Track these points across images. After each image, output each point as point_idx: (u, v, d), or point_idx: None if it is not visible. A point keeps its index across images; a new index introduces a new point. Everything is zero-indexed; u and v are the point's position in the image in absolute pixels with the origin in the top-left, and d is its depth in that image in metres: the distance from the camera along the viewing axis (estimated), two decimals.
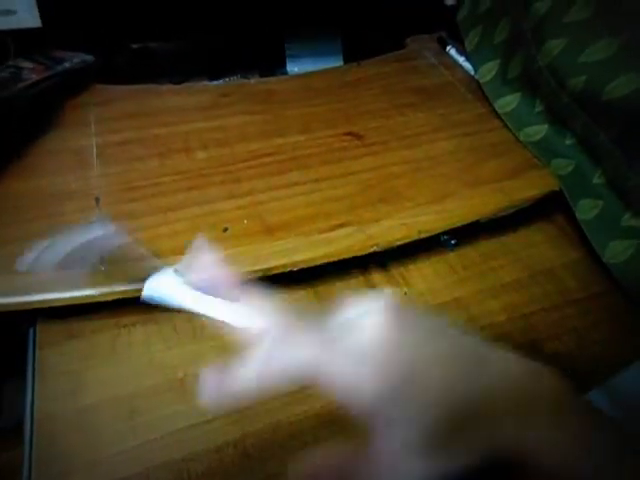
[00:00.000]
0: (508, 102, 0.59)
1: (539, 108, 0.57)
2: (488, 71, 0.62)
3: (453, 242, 0.55)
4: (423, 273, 0.53)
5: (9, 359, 0.49)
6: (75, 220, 0.44)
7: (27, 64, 0.53)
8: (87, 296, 0.39)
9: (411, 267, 0.53)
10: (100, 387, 0.41)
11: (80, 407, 0.40)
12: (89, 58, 0.61)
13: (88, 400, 0.40)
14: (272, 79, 0.67)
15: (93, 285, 0.40)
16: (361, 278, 0.51)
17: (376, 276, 0.51)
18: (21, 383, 0.43)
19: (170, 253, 0.42)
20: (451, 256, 0.55)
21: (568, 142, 0.54)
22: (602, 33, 0.47)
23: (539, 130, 0.56)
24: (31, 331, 0.45)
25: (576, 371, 0.47)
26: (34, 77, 0.51)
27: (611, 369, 0.47)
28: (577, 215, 0.52)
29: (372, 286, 0.51)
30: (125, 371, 0.42)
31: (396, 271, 0.53)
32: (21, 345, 0.45)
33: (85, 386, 0.41)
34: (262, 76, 0.72)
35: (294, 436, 0.40)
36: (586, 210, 0.52)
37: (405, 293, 0.51)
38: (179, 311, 0.46)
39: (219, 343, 0.45)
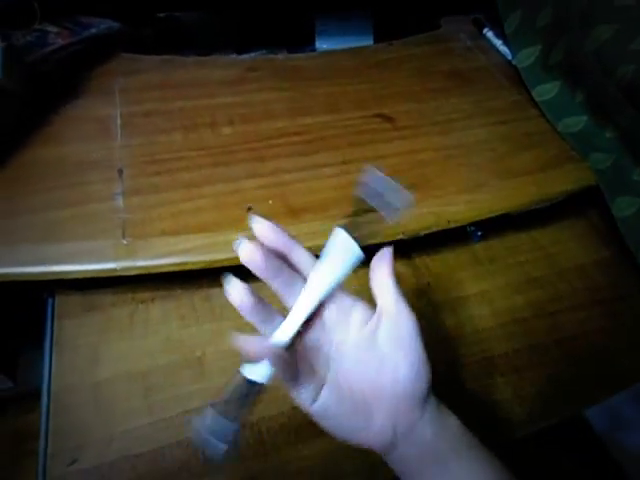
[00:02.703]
0: (547, 90, 0.56)
1: (580, 98, 0.54)
2: (527, 56, 0.59)
3: (479, 234, 0.53)
4: (447, 264, 0.51)
5: (26, 327, 0.49)
6: (98, 190, 0.43)
7: (53, 28, 0.52)
8: (108, 269, 0.39)
9: (435, 257, 0.52)
10: (116, 362, 0.41)
11: (96, 381, 0.40)
12: (115, 25, 0.59)
13: (104, 374, 0.40)
14: (300, 55, 0.64)
15: (114, 258, 0.39)
16: None
17: (400, 265, 0.50)
18: (36, 352, 0.43)
19: (194, 230, 0.41)
20: (477, 248, 0.53)
21: (609, 135, 0.51)
22: None
23: (579, 121, 0.53)
24: (50, 302, 0.44)
25: (600, 374, 0.46)
26: (60, 42, 0.50)
27: (636, 374, 0.46)
28: (613, 212, 0.50)
29: (396, 276, 0.49)
30: (142, 347, 0.42)
31: (420, 261, 0.51)
32: (38, 315, 0.45)
33: (102, 360, 0.41)
34: (290, 52, 0.70)
35: (310, 423, 0.39)
36: (623, 207, 0.50)
37: (428, 284, 0.49)
38: (198, 289, 0.46)
39: (238, 324, 0.44)
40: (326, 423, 0.29)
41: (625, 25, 0.46)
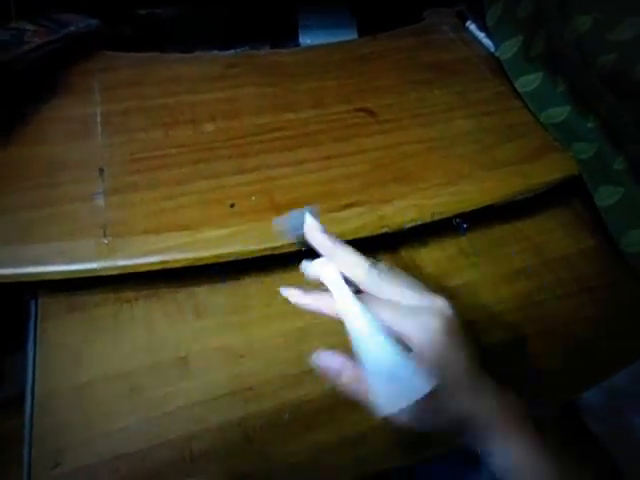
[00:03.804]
0: (530, 81, 0.56)
1: (562, 88, 0.54)
2: (509, 48, 0.59)
3: (465, 226, 0.53)
4: (433, 256, 0.52)
5: (12, 329, 0.48)
6: (78, 190, 0.43)
7: (30, 27, 0.51)
8: (88, 269, 0.38)
9: (421, 250, 0.52)
10: (101, 362, 0.41)
11: (80, 382, 0.39)
12: (94, 22, 0.58)
13: (88, 375, 0.40)
14: (283, 51, 0.64)
15: (95, 258, 0.38)
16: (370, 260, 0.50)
17: (386, 258, 0.50)
18: (22, 354, 0.42)
19: (176, 228, 0.40)
20: (463, 240, 0.53)
21: (590, 125, 0.51)
22: (634, 9, 0.45)
23: (561, 112, 0.53)
24: (33, 303, 0.44)
25: (591, 360, 0.46)
26: (37, 40, 0.49)
27: (627, 360, 0.46)
28: (596, 202, 0.51)
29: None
30: (126, 347, 0.42)
31: (406, 253, 0.51)
32: (24, 316, 0.44)
33: (86, 361, 0.41)
34: (273, 47, 0.69)
35: (297, 419, 0.39)
36: (605, 197, 0.50)
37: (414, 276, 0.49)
38: (181, 287, 0.46)
39: (222, 321, 0.44)
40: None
41: (604, 15, 0.46)
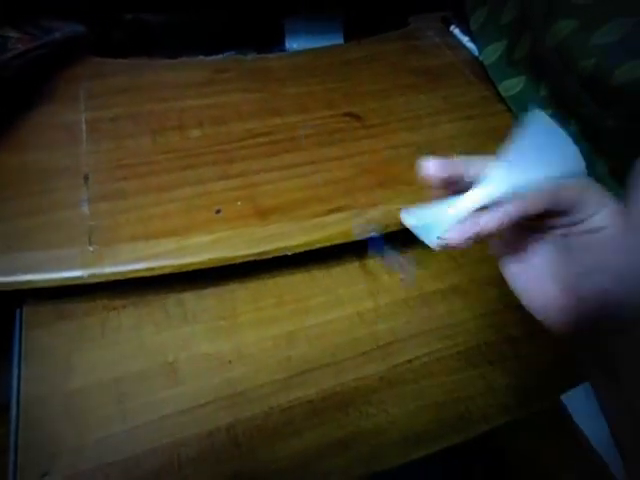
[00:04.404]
0: (513, 85, 0.57)
1: (544, 92, 0.55)
2: (493, 52, 0.60)
3: None
4: (420, 259, 0.52)
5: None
6: (63, 197, 0.43)
7: (14, 33, 0.51)
8: (75, 277, 0.38)
9: (408, 253, 0.52)
10: (89, 370, 0.41)
11: (68, 390, 0.39)
12: (80, 29, 0.58)
13: (76, 383, 0.40)
14: (270, 56, 0.64)
15: (81, 266, 0.38)
16: (357, 263, 0.50)
17: (372, 262, 0.50)
18: (8, 363, 0.42)
19: (162, 235, 0.41)
20: None
21: (572, 128, 0.52)
22: (614, 13, 0.45)
23: None
24: (18, 312, 0.44)
25: (571, 363, 0.47)
26: (20, 47, 0.49)
27: None
28: None
29: (368, 271, 0.50)
30: (114, 354, 0.42)
31: (392, 257, 0.52)
32: (9, 325, 0.44)
33: (73, 369, 0.40)
34: (260, 53, 0.70)
35: (286, 423, 0.40)
36: None
37: (401, 279, 0.50)
38: (169, 293, 0.46)
39: (210, 326, 0.44)
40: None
41: (584, 20, 0.47)
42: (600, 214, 0.26)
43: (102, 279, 0.39)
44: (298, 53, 0.67)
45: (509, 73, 0.58)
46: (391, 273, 0.50)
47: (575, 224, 0.27)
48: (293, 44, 0.73)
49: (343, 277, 0.49)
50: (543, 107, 0.54)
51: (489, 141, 0.54)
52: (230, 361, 0.42)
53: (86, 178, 0.44)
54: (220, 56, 0.67)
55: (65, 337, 0.43)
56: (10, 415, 0.38)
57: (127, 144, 0.49)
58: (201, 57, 0.65)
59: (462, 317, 0.48)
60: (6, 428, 0.38)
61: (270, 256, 0.41)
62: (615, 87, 0.45)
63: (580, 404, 0.73)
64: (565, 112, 0.53)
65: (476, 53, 0.65)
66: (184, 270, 0.40)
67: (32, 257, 0.39)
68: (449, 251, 0.53)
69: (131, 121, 0.51)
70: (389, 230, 0.44)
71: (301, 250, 0.42)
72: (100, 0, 0.65)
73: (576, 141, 0.50)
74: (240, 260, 0.41)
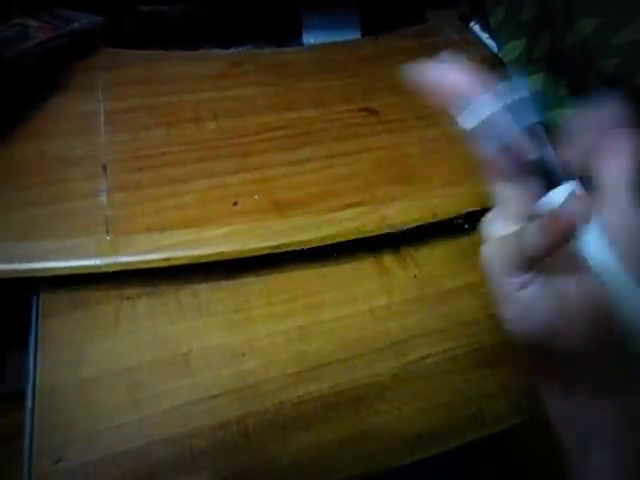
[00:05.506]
0: (532, 83, 0.57)
1: (564, 91, 0.54)
2: (512, 50, 0.59)
3: (467, 226, 0.53)
4: (435, 257, 0.52)
5: (14, 325, 0.48)
6: (81, 187, 0.43)
7: (34, 23, 0.51)
8: (91, 266, 0.38)
9: (423, 250, 0.52)
10: (102, 359, 0.41)
11: (82, 378, 0.39)
12: (98, 19, 0.58)
13: (90, 371, 0.40)
14: (287, 50, 0.64)
15: (98, 255, 0.39)
16: (372, 259, 0.50)
17: (387, 258, 0.50)
18: (25, 349, 0.42)
19: (178, 226, 0.41)
20: (464, 241, 0.53)
21: None
22: (636, 13, 0.45)
23: (562, 114, 0.53)
24: (34, 299, 0.44)
25: None
26: (41, 36, 0.49)
27: None
28: None
29: (383, 268, 0.50)
30: (128, 344, 0.42)
31: (407, 254, 0.51)
32: (26, 312, 0.44)
33: (87, 357, 0.41)
34: (276, 46, 0.69)
35: (297, 418, 0.39)
36: None
37: (415, 276, 0.49)
38: (183, 285, 0.46)
39: (224, 319, 0.44)
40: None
41: (608, 19, 0.46)
42: None
43: (118, 268, 0.39)
44: (315, 47, 0.67)
45: (528, 71, 0.57)
46: (405, 269, 0.49)
47: None
48: (310, 38, 0.73)
49: (357, 273, 0.49)
50: (563, 106, 0.54)
51: None
52: (243, 354, 0.42)
53: (104, 168, 0.44)
54: (237, 49, 0.67)
55: (79, 325, 0.43)
56: (26, 402, 0.38)
57: (143, 135, 0.49)
58: (217, 50, 0.65)
59: (477, 316, 0.47)
60: (22, 414, 0.39)
61: (286, 250, 0.41)
62: (637, 88, 0.44)
63: None
64: None
65: (495, 50, 0.64)
66: (199, 261, 0.40)
67: (49, 245, 0.39)
68: (466, 250, 0.52)
69: (147, 112, 0.51)
70: (406, 227, 0.44)
71: (317, 244, 0.42)
72: None
73: None
74: (256, 253, 0.41)
